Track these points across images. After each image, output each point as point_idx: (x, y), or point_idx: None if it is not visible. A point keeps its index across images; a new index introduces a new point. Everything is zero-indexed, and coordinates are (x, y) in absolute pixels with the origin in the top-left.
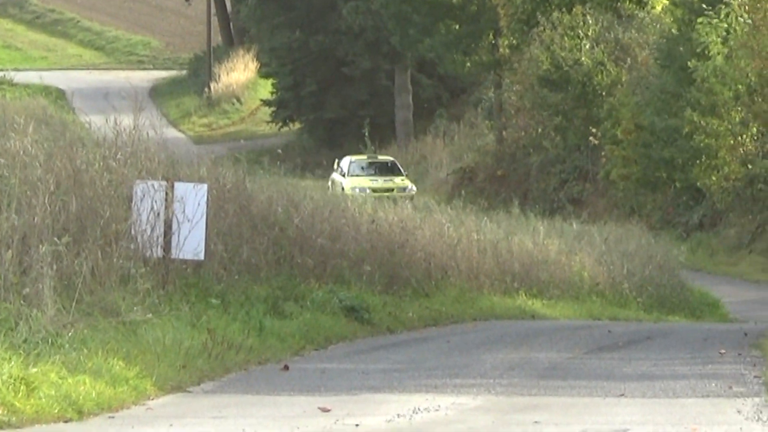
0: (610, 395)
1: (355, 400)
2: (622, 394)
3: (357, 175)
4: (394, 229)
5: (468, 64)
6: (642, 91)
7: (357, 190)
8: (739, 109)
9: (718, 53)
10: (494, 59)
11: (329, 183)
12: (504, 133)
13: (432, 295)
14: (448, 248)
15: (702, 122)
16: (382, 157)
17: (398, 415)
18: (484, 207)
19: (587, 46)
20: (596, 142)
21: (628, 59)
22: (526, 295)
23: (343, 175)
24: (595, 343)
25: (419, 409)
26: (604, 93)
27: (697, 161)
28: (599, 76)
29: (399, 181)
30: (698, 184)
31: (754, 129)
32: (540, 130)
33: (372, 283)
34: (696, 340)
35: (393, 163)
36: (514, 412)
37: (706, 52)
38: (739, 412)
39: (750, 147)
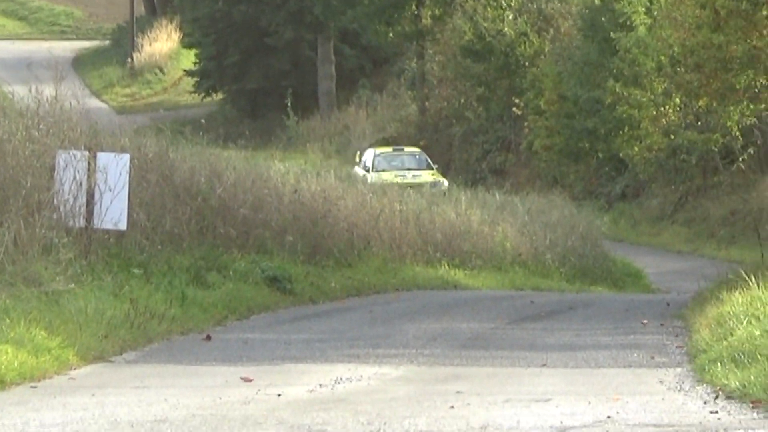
0: (532, 365)
1: (277, 370)
2: (545, 365)
3: (383, 170)
4: (316, 200)
5: (391, 34)
6: (565, 62)
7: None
8: (662, 79)
9: (641, 24)
10: (417, 29)
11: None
12: (426, 103)
13: (354, 265)
14: (371, 218)
15: (625, 93)
16: (408, 149)
17: (320, 385)
18: None
19: (510, 17)
20: (519, 112)
21: (551, 30)
22: (448, 265)
23: (367, 170)
24: (517, 313)
25: (341, 379)
26: (527, 63)
27: (620, 132)
28: (522, 47)
29: (428, 175)
30: (621, 154)
31: (677, 99)
32: (462, 100)
33: (294, 253)
34: (618, 311)
35: (421, 155)
36: (436, 383)
37: (629, 22)
38: (661, 382)
39: (673, 118)
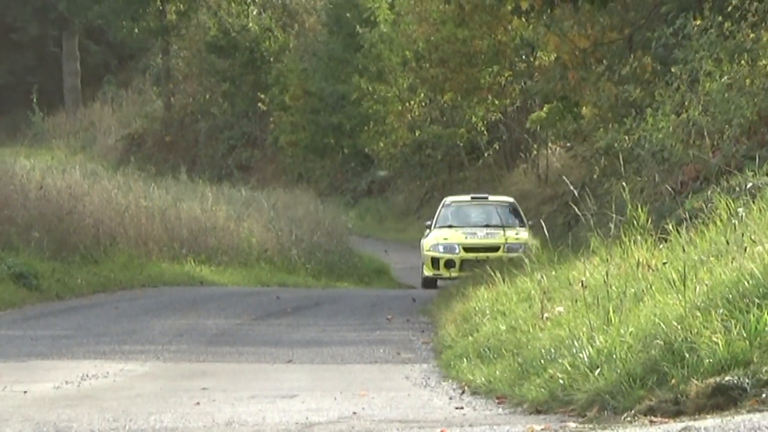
0: (278, 361)
1: (23, 367)
2: (291, 360)
3: (449, 226)
4: (62, 196)
5: (136, 30)
6: (310, 58)
7: (441, 248)
8: (407, 74)
9: (385, 19)
10: (162, 25)
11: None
12: (172, 99)
13: (101, 261)
14: (117, 215)
15: (370, 88)
16: (495, 198)
17: (66, 382)
18: (153, 173)
19: (255, 12)
20: (264, 108)
21: (296, 25)
22: (194, 261)
23: (429, 227)
24: (263, 309)
25: (87, 376)
26: (272, 59)
27: (366, 127)
28: (267, 42)
29: (511, 235)
30: (366, 150)
31: (422, 95)
32: (208, 96)
33: (41, 249)
34: (365, 306)
35: (512, 207)
36: (182, 379)
37: (374, 17)
38: (407, 378)
39: (418, 113)
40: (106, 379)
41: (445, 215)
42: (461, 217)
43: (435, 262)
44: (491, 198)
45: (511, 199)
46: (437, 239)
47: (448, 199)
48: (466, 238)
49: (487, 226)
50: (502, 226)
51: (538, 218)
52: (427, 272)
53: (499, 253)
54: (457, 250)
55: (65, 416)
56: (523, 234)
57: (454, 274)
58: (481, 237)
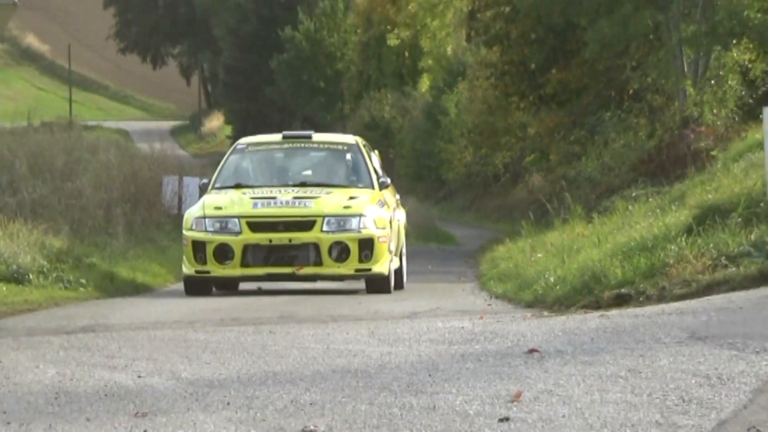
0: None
1: None
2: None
3: (236, 186)
4: None
5: None
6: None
7: (209, 225)
8: (462, 139)
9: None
10: None
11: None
12: None
13: None
14: None
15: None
16: (325, 138)
17: None
18: None
19: None
20: None
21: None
22: None
23: (205, 189)
24: None
25: None
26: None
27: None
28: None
29: (339, 200)
30: (443, 177)
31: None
32: None
33: None
34: (442, 255)
35: (355, 153)
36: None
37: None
38: (463, 290)
39: (468, 159)
40: None
41: (234, 168)
42: (265, 172)
43: (199, 249)
44: (318, 137)
45: (354, 140)
46: (205, 208)
47: (244, 141)
48: (254, 206)
49: (303, 185)
50: (338, 185)
51: None
52: (188, 269)
53: (314, 233)
54: (237, 228)
55: None
56: (363, 198)
57: (233, 272)
58: (280, 205)
